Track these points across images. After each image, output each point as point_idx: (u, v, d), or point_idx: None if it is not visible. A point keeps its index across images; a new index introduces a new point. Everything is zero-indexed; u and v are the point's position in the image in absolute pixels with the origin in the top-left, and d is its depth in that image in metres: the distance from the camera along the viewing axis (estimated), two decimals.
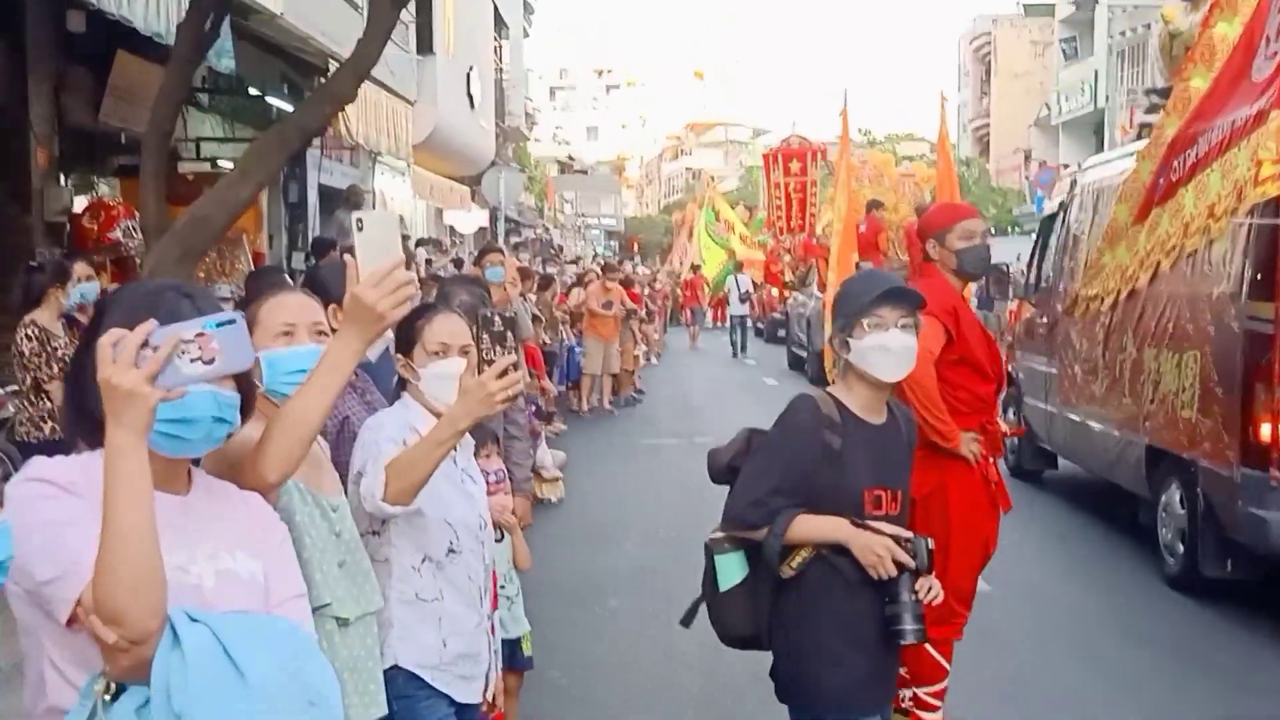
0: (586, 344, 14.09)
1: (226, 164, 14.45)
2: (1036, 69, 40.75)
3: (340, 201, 14.19)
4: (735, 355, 23.75)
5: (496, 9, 28.62)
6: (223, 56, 10.24)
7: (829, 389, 3.16)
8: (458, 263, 16.41)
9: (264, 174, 7.62)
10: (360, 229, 2.17)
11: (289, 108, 14.22)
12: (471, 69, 23.54)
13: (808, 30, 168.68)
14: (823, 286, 17.35)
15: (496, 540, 3.99)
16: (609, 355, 14.17)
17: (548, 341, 12.15)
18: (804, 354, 18.73)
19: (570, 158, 69.62)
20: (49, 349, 5.92)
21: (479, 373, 2.81)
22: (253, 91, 13.93)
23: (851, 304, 3.07)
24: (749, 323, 25.21)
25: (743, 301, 24.89)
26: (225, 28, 10.38)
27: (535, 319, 10.73)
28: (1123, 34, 33.15)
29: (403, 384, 3.02)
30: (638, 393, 15.78)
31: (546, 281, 13.10)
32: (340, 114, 11.40)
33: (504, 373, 2.63)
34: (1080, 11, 35.96)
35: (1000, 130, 41.15)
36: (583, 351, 14.10)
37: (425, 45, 20.38)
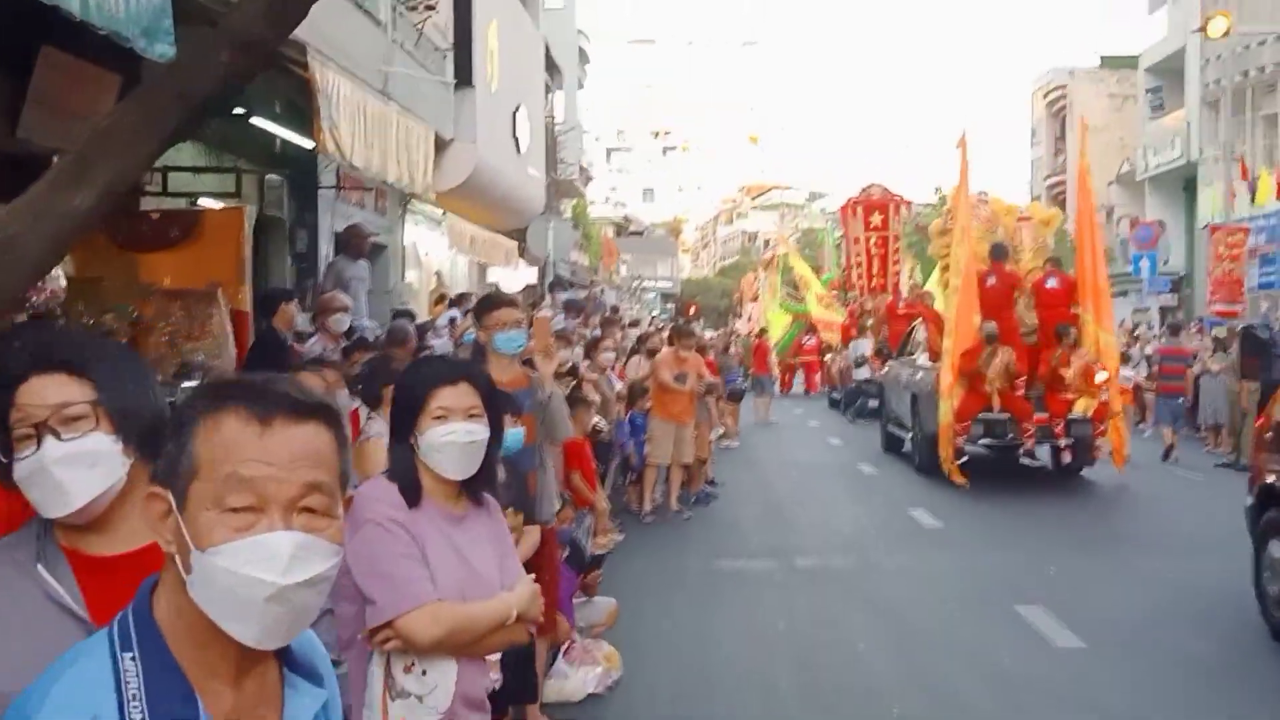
0: (652, 427, 10.66)
1: (211, 201, 11.40)
2: (1115, 123, 37.11)
3: (342, 247, 11.00)
4: (852, 420, 20.78)
5: (548, 50, 25.70)
6: (157, 40, 6.94)
7: None
8: None
9: (118, 169, 4.35)
10: None
11: (284, 133, 11.15)
12: (519, 108, 20.47)
13: (865, 93, 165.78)
14: (934, 355, 13.83)
15: None
16: (681, 441, 10.73)
17: (602, 428, 8.73)
18: (904, 435, 15.14)
19: (626, 219, 66.93)
20: None
21: None
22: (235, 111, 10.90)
23: None
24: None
25: (858, 366, 21.73)
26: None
27: (580, 401, 7.35)
28: (1217, 83, 29.53)
29: None
30: (711, 485, 12.31)
31: (595, 344, 9.67)
32: (326, 124, 8.22)
33: None
34: (1168, 61, 32.41)
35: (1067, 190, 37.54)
36: (647, 436, 10.66)
37: (464, 78, 17.34)
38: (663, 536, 9.81)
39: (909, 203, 28.75)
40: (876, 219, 26.53)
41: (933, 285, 24.62)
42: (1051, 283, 13.23)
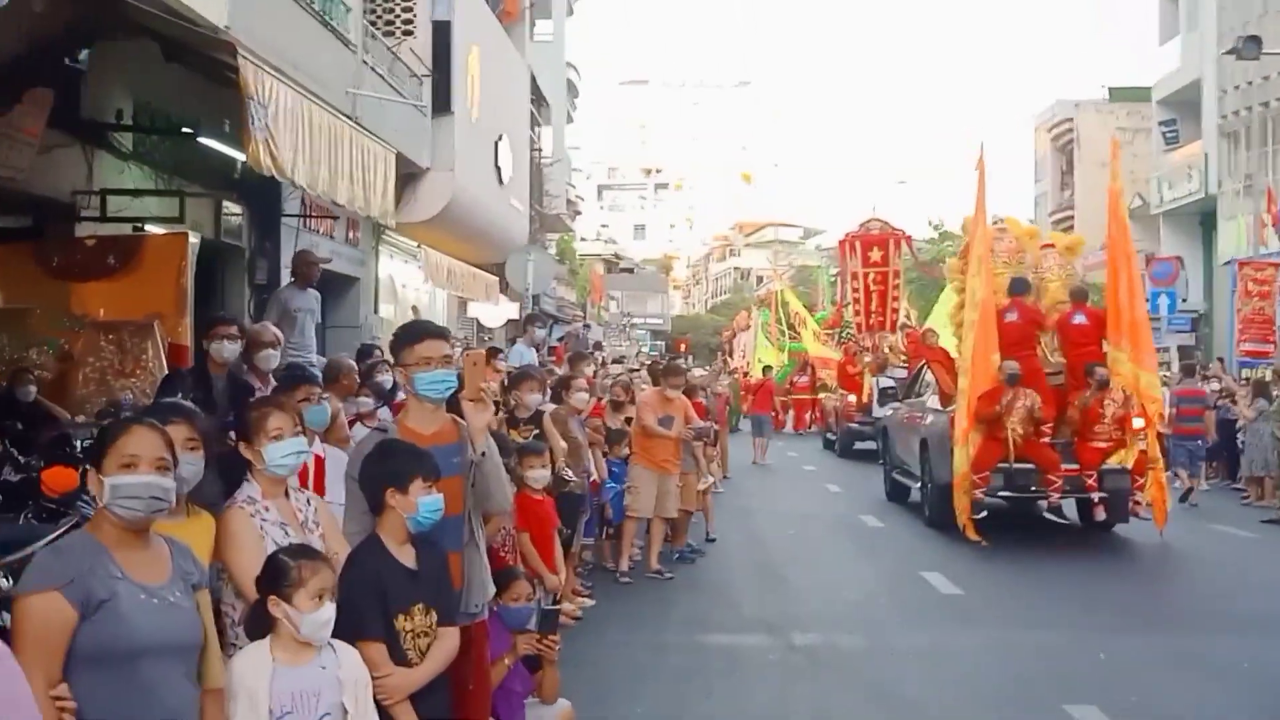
0: (633, 475, 9.57)
1: (155, 228, 10.39)
2: (1125, 157, 36.27)
3: (291, 275, 9.92)
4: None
5: (535, 82, 24.86)
6: None
7: None
8: None
9: None
10: None
11: (234, 153, 10.16)
12: (501, 138, 19.55)
13: (860, 130, 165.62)
14: (945, 399, 12.78)
15: None
16: (665, 494, 9.63)
17: (571, 479, 7.62)
18: (910, 484, 14.07)
19: (617, 256, 66.19)
20: None
21: None
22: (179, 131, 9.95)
23: None
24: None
25: (881, 404, 20.55)
26: None
27: (526, 449, 6.28)
28: (1236, 114, 28.77)
29: None
30: (707, 541, 11.19)
31: (566, 383, 8.53)
32: (260, 134, 7.19)
33: None
34: (1183, 92, 31.68)
35: (1086, 223, 36.60)
36: (628, 485, 9.58)
37: (442, 104, 16.40)
38: (639, 602, 8.66)
39: (909, 238, 27.95)
40: (876, 254, 25.77)
41: (935, 322, 23.76)
42: (1079, 319, 12.16)
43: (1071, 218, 38.00)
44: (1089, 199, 36.86)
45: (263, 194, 12.09)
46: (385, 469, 3.61)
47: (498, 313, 21.34)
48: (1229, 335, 24.29)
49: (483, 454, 3.95)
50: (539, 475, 6.27)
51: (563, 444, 7.54)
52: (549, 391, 8.15)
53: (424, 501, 3.57)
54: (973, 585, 9.28)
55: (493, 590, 4.17)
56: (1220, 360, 22.96)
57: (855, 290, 25.84)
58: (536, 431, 6.96)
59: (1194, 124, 31.32)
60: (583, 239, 56.35)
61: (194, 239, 9.58)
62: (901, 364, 21.60)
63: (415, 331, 4.06)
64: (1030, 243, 13.22)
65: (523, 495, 6.09)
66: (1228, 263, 26.14)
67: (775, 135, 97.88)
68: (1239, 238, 25.46)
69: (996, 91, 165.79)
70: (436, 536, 3.70)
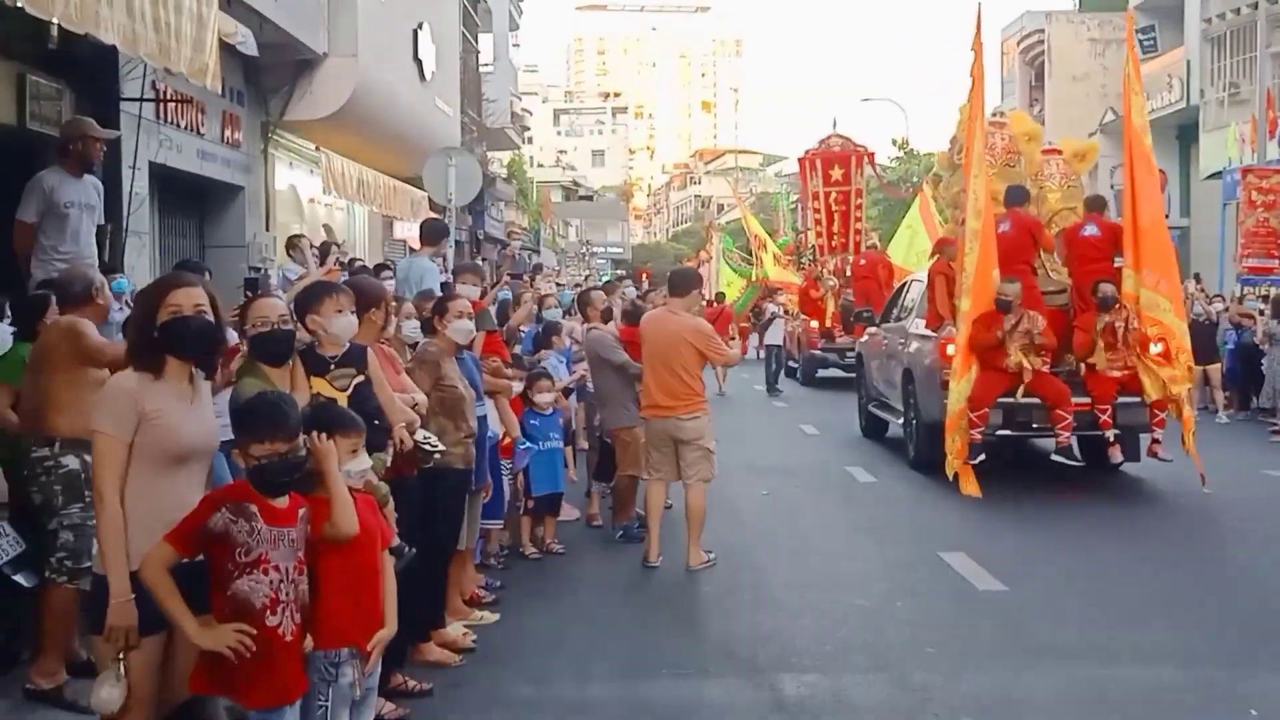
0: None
1: None
2: (1097, 70, 33.49)
3: (57, 155, 6.73)
4: (769, 392, 18.35)
5: None
6: None
7: None
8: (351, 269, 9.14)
9: None
10: None
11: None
12: (421, 26, 16.30)
13: (818, 52, 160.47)
14: (936, 320, 10.14)
15: None
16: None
17: (433, 449, 4.64)
18: (889, 419, 11.50)
19: (575, 183, 62.57)
20: None
21: None
22: None
23: None
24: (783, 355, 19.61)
25: (767, 327, 19.64)
26: None
27: (321, 418, 3.34)
28: (1221, 17, 25.88)
29: None
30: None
31: (441, 310, 5.43)
32: None
33: None
34: None
35: (1057, 138, 33.94)
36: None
37: None
38: (559, 624, 5.82)
39: (872, 155, 25.15)
40: (837, 172, 23.05)
41: (897, 244, 21.24)
42: (1090, 230, 9.82)
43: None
44: (1060, 114, 33.96)
45: (92, 72, 8.94)
46: None
47: None
48: (1220, 251, 21.74)
49: None
50: (355, 468, 3.36)
51: (419, 397, 4.63)
52: (402, 319, 5.20)
53: None
54: (1015, 575, 6.52)
55: None
56: (1197, 277, 20.51)
57: (816, 211, 23.14)
58: (361, 378, 4.02)
59: (1173, 31, 28.42)
60: (540, 165, 52.97)
61: None
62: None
63: None
64: (1029, 146, 10.66)
65: (317, 501, 3.22)
66: (1213, 175, 23.48)
67: (734, 62, 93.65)
68: (1230, 147, 22.72)
69: (965, 5, 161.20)
70: None
